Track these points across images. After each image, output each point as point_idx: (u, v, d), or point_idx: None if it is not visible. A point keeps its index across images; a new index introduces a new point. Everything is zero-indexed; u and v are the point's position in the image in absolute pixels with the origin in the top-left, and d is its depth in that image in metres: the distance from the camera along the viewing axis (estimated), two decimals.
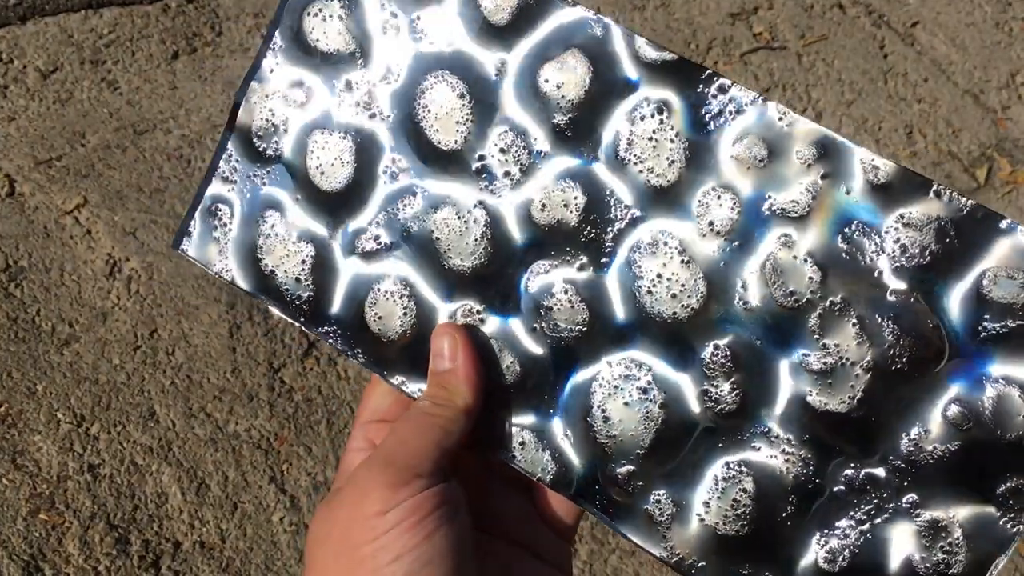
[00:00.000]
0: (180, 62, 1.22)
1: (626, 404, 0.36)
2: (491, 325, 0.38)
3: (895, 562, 0.34)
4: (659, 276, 0.36)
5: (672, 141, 0.35)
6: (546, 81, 0.37)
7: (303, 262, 0.41)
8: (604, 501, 0.37)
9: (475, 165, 0.38)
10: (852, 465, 0.34)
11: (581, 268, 0.37)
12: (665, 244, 0.36)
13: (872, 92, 1.37)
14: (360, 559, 0.32)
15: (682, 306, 0.36)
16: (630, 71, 0.36)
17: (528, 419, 0.38)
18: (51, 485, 0.90)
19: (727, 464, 0.35)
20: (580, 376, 0.37)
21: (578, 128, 0.36)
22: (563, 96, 0.37)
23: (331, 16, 0.40)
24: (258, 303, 1.03)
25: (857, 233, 0.33)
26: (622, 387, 0.36)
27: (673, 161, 0.35)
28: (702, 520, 0.36)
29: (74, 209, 1.06)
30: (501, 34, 0.37)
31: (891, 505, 0.34)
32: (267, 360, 1.00)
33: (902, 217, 0.33)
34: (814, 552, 0.34)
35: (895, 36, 1.44)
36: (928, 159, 1.32)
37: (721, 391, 0.35)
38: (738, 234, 0.35)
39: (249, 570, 0.89)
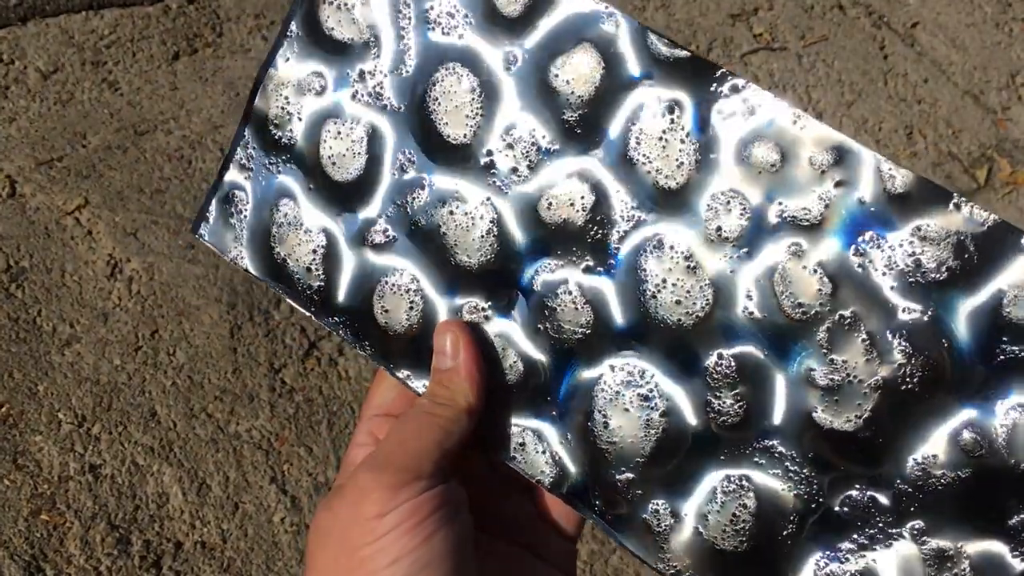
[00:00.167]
0: (181, 63, 1.22)
1: (627, 410, 0.36)
2: (495, 323, 0.38)
3: None
4: (664, 281, 0.35)
5: (682, 142, 0.34)
6: (556, 76, 0.36)
7: (314, 251, 0.41)
8: (602, 507, 0.36)
9: (483, 160, 0.37)
10: (857, 486, 0.32)
11: (587, 270, 0.36)
12: (672, 248, 0.35)
13: (872, 93, 1.37)
14: (359, 561, 0.32)
15: (687, 313, 0.35)
16: (642, 68, 0.35)
17: (529, 420, 0.37)
18: (52, 485, 0.90)
19: (728, 478, 0.34)
20: (582, 379, 0.36)
21: (588, 125, 0.36)
22: (573, 92, 0.36)
23: (347, 4, 0.40)
24: (258, 303, 1.03)
25: (871, 244, 0.32)
26: (624, 393, 0.36)
27: (682, 163, 0.34)
28: (700, 533, 0.35)
29: (75, 210, 1.06)
30: (513, 26, 0.37)
31: (895, 531, 0.32)
32: (268, 360, 1.01)
33: (919, 229, 0.31)
34: (813, 574, 0.33)
35: (895, 37, 1.44)
36: (928, 160, 1.32)
37: (724, 402, 0.34)
38: (747, 241, 0.33)
39: (250, 570, 0.89)
